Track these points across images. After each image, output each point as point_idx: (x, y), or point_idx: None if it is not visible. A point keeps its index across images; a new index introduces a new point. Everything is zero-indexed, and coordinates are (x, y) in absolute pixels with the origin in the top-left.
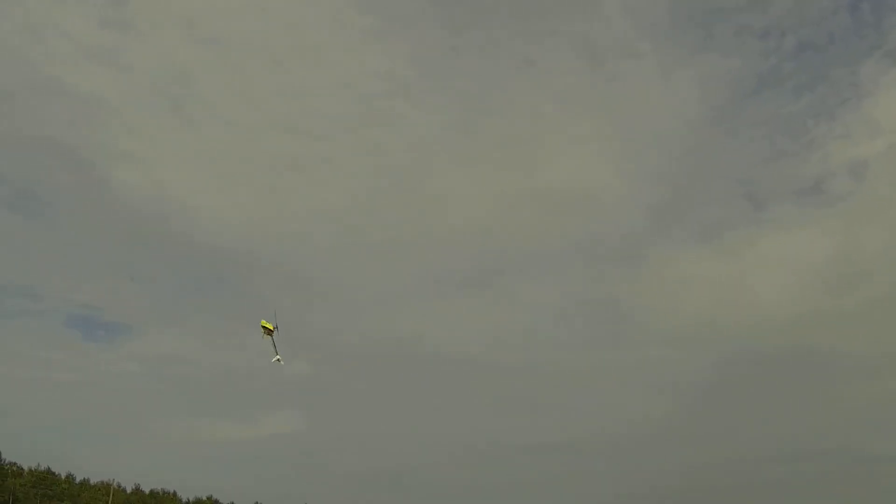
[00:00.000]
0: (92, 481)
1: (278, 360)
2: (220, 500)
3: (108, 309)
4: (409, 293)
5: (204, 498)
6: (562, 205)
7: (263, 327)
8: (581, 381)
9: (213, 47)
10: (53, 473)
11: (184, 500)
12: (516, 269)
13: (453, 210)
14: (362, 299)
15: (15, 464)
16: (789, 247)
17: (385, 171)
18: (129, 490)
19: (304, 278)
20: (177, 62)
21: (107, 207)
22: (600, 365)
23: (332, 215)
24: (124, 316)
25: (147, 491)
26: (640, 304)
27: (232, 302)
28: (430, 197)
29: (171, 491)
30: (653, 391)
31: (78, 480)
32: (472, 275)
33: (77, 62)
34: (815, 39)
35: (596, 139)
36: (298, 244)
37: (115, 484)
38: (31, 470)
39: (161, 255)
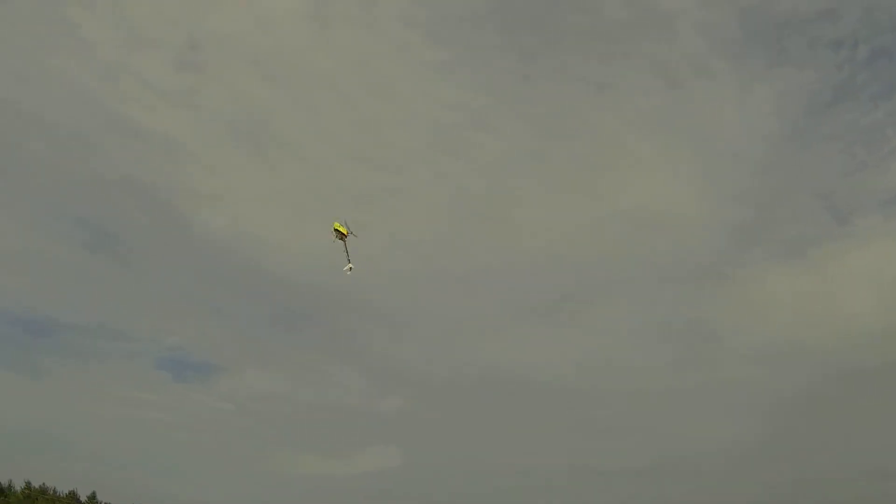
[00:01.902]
0: None
1: (350, 268)
2: None
3: (197, 348)
4: (492, 322)
5: None
6: (641, 228)
7: (336, 230)
8: (666, 405)
9: (286, 86)
10: None
11: None
12: (598, 294)
13: (533, 237)
14: (447, 330)
15: None
16: (875, 259)
17: (462, 201)
18: None
19: (389, 311)
20: (250, 102)
21: (189, 248)
22: (685, 387)
23: (412, 247)
24: (213, 355)
25: None
26: (725, 324)
27: (321, 337)
28: (509, 225)
29: None
30: (740, 412)
31: None
32: (554, 301)
33: (153, 104)
34: (888, 47)
35: (673, 160)
36: (380, 278)
37: None
38: None
39: (248, 293)
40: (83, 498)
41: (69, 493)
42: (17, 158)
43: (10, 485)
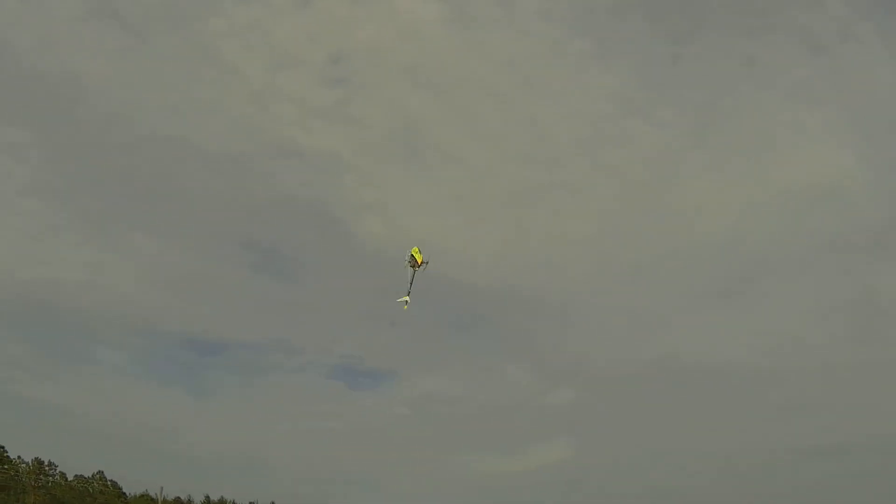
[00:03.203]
0: None
1: (406, 301)
2: None
3: (369, 356)
4: (663, 309)
5: None
6: (807, 203)
7: (413, 256)
8: (847, 381)
9: (436, 91)
10: None
11: None
12: (771, 273)
13: (697, 222)
14: (617, 321)
15: None
16: None
17: (624, 191)
18: None
19: (558, 306)
20: (402, 110)
21: (354, 258)
22: (865, 362)
23: (577, 240)
24: (386, 362)
25: None
26: None
27: (489, 338)
28: (673, 211)
29: None
30: None
31: None
32: (723, 284)
33: (305, 122)
34: None
35: (831, 130)
36: (548, 273)
37: None
38: None
39: (417, 300)
40: None
41: None
42: (179, 188)
43: (189, 499)
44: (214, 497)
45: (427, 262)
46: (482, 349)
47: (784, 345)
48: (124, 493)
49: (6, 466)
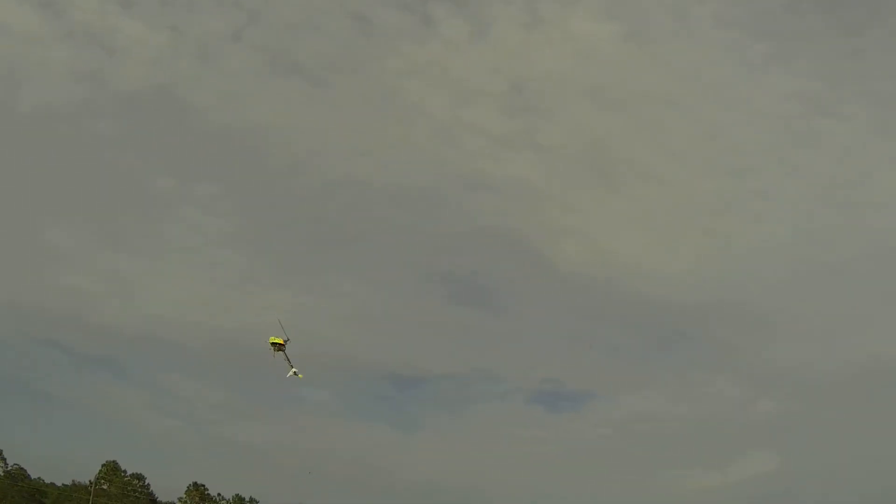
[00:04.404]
0: None
1: (295, 373)
2: None
3: (570, 379)
4: (868, 311)
5: None
6: None
7: (273, 343)
8: None
9: (620, 110)
10: None
11: None
12: None
13: (892, 216)
14: (821, 327)
15: None
16: None
17: (818, 191)
18: None
19: (758, 315)
20: (588, 132)
21: (550, 283)
22: None
23: (773, 247)
24: (587, 383)
25: None
26: None
27: (690, 352)
28: (871, 208)
29: None
30: None
31: None
32: None
33: (493, 151)
34: None
35: None
36: (746, 282)
37: None
38: None
39: (616, 320)
40: None
41: None
42: (375, 227)
43: None
44: None
45: (288, 339)
46: (680, 365)
47: None
48: None
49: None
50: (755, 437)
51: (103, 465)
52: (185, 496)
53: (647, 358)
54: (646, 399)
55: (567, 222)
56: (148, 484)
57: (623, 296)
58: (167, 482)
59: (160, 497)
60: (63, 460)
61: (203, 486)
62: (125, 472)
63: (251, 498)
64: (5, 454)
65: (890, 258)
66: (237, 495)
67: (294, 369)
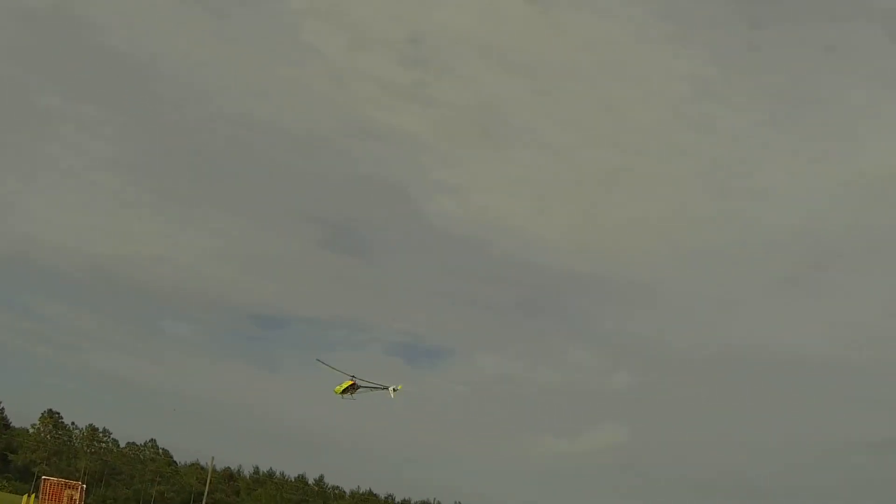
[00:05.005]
0: (412, 501)
1: (394, 389)
2: None
3: (432, 335)
4: (732, 296)
5: None
6: (886, 192)
7: (343, 392)
8: None
9: (516, 73)
10: (375, 495)
11: None
12: (845, 262)
13: (774, 207)
14: (684, 307)
15: (338, 487)
16: None
17: (699, 175)
18: None
19: (625, 290)
20: (481, 91)
21: (424, 237)
22: None
23: (650, 225)
24: (448, 340)
25: None
26: None
27: (552, 319)
28: (749, 197)
29: None
30: None
31: (399, 500)
32: (798, 272)
33: (383, 101)
34: None
35: None
36: (618, 257)
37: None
38: (353, 493)
39: (485, 281)
40: (311, 481)
41: (298, 477)
42: (256, 165)
43: (239, 470)
44: (264, 468)
45: (353, 376)
46: (545, 330)
47: (856, 336)
48: (175, 462)
49: (60, 432)
50: (609, 408)
51: None
52: (38, 423)
53: (510, 321)
54: (505, 361)
55: (448, 179)
56: (2, 408)
57: (494, 258)
58: (22, 408)
59: (14, 422)
60: None
61: (58, 413)
62: None
63: (104, 429)
64: None
65: (763, 248)
66: (91, 425)
67: (391, 387)
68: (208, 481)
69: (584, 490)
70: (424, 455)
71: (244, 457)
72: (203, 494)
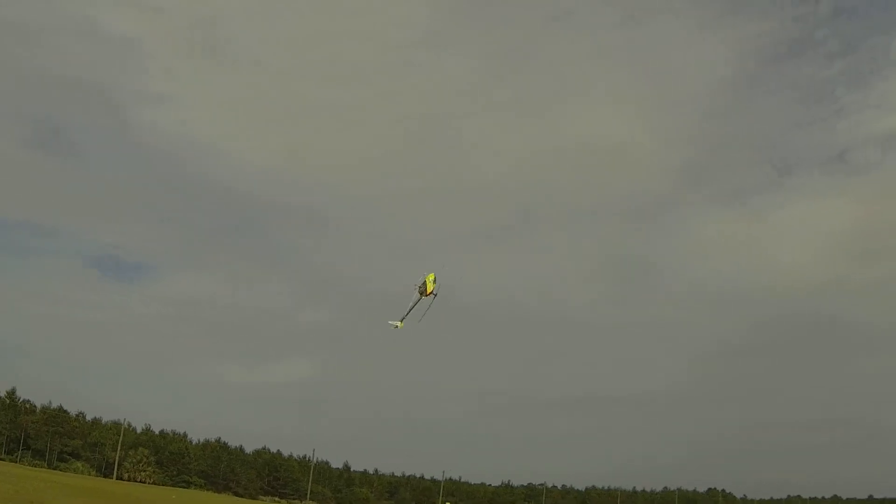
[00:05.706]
0: (104, 420)
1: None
2: (229, 443)
3: (130, 249)
4: (432, 243)
5: (213, 440)
6: (590, 161)
7: (424, 283)
8: (604, 338)
9: None
10: (66, 412)
11: (193, 441)
12: (541, 223)
13: (479, 162)
14: (388, 248)
15: (28, 401)
16: (813, 215)
17: (414, 120)
18: (139, 430)
19: (330, 225)
20: (203, 5)
21: (133, 148)
22: (622, 322)
23: (361, 163)
24: (146, 256)
25: (157, 431)
26: (663, 263)
27: (253, 247)
28: (456, 149)
29: (182, 432)
30: (672, 352)
31: (89, 419)
32: (499, 227)
33: (106, 3)
34: (851, 5)
35: (625, 96)
36: (324, 190)
37: (125, 423)
38: (43, 408)
39: (186, 197)
40: (2, 393)
41: None
42: None
43: None
44: None
45: (435, 295)
46: (243, 257)
47: (545, 296)
48: None
49: None
50: (302, 342)
51: None
52: None
53: (214, 243)
54: (201, 284)
55: (162, 90)
56: None
57: (200, 176)
58: None
59: None
60: None
61: None
62: None
63: None
64: None
65: (459, 199)
66: None
67: (400, 323)
68: None
69: (269, 421)
70: (110, 372)
71: None
72: None
